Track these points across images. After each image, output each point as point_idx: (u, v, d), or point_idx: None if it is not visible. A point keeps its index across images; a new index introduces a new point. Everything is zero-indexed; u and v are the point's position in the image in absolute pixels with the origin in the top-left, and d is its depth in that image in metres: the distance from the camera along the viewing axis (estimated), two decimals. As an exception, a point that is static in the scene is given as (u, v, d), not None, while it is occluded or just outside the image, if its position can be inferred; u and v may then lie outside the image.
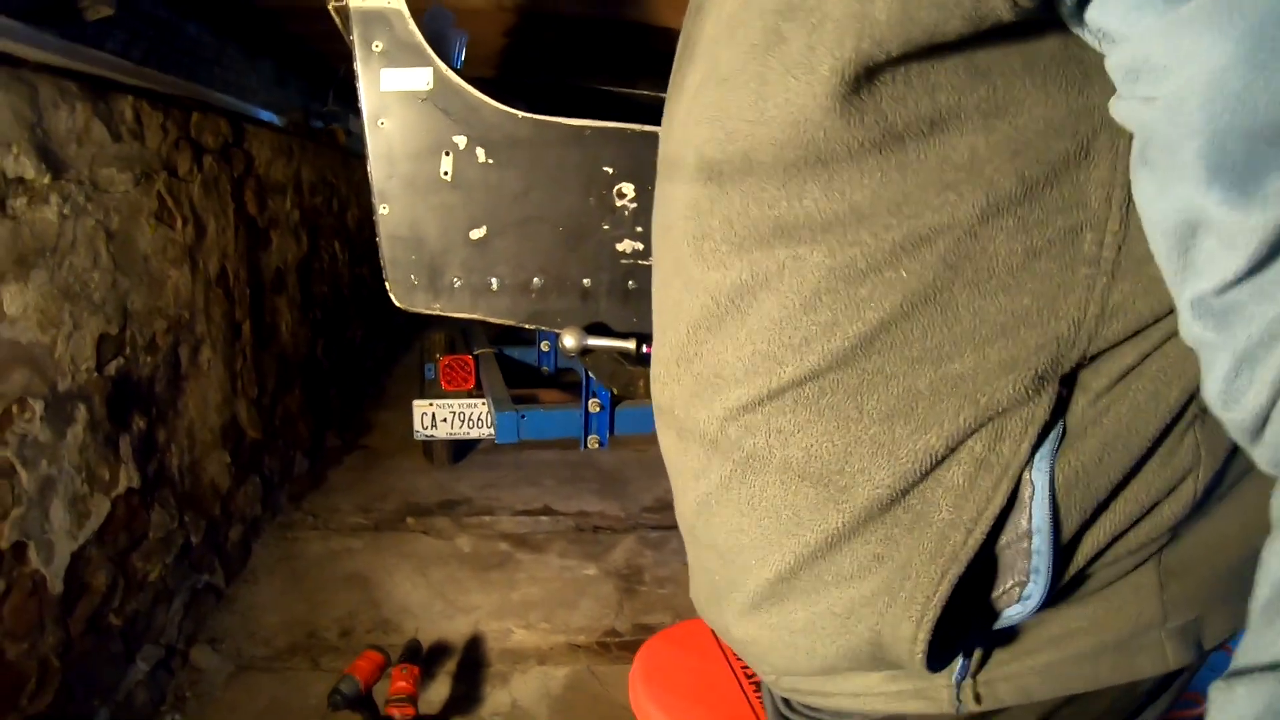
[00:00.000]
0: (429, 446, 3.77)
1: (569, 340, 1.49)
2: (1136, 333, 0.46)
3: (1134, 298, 0.45)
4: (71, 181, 1.81)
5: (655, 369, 0.63)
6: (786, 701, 0.67)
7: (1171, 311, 0.45)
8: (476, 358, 3.36)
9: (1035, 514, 0.47)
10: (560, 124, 1.45)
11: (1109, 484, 0.48)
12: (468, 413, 3.14)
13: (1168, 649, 0.54)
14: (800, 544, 0.52)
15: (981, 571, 0.49)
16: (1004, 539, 0.48)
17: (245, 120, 2.94)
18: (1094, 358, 0.47)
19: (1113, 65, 0.40)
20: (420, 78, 1.37)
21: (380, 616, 2.60)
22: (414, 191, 1.44)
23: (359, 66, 1.37)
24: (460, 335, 3.96)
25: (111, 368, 1.96)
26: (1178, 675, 0.56)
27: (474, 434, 3.16)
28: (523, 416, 2.65)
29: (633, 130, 1.47)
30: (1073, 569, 0.50)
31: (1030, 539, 0.48)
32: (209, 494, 2.57)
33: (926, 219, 0.45)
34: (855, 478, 0.49)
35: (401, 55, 1.37)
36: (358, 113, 1.40)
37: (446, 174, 1.43)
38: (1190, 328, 0.40)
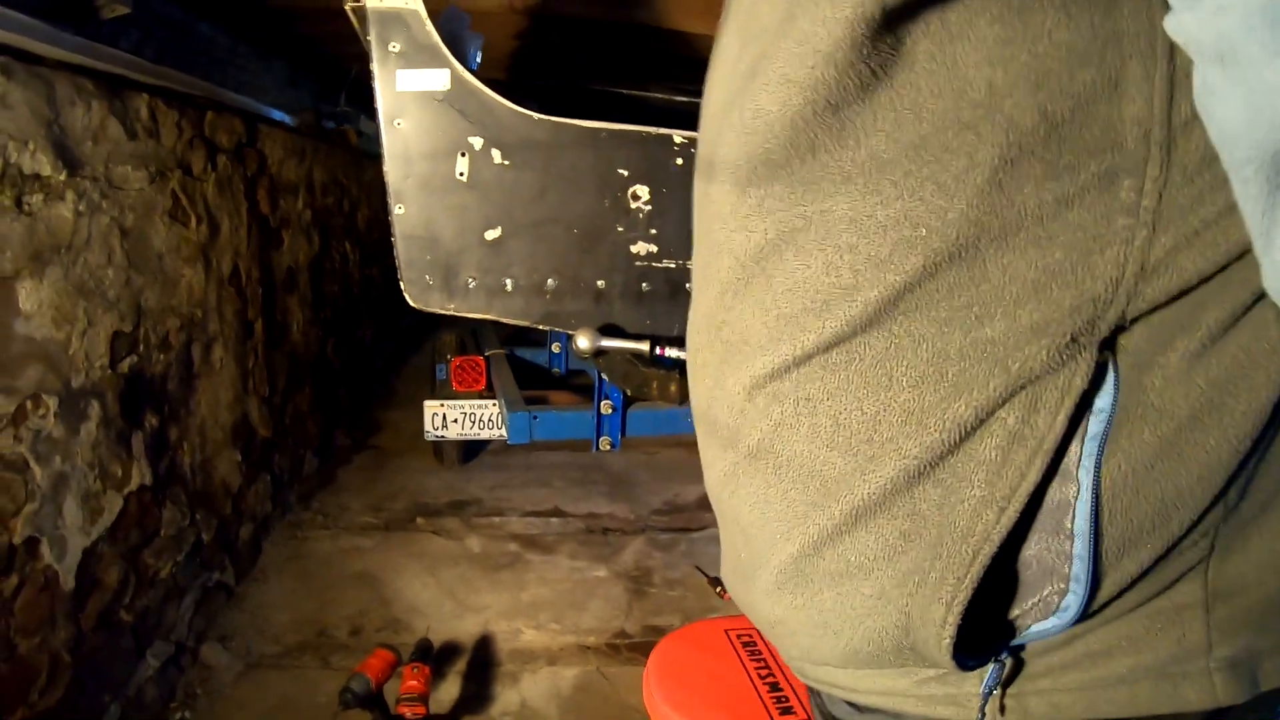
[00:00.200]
0: (439, 447, 3.79)
1: (583, 341, 1.49)
2: (1181, 294, 0.42)
3: (1178, 253, 0.41)
4: (87, 179, 1.82)
5: (690, 336, 0.62)
6: (819, 696, 0.65)
7: (1231, 271, 0.40)
8: (487, 359, 3.37)
9: (1078, 514, 0.44)
10: (576, 126, 1.45)
11: (1161, 495, 0.44)
12: (479, 413, 3.16)
13: (1216, 681, 0.49)
14: (827, 517, 0.50)
15: (1015, 575, 0.47)
16: (1043, 541, 0.46)
17: (259, 120, 2.96)
18: (1134, 321, 0.43)
19: None
20: (438, 79, 1.37)
21: (390, 615, 2.60)
22: (430, 192, 1.44)
23: (375, 67, 1.37)
24: (471, 336, 3.97)
25: (125, 365, 1.97)
26: (1229, 714, 0.51)
27: (485, 435, 3.19)
28: (535, 418, 2.65)
29: (647, 133, 1.47)
30: (1114, 581, 0.47)
31: (1073, 541, 0.45)
32: (220, 492, 2.58)
33: (947, 163, 0.42)
34: (884, 446, 0.47)
35: (418, 56, 1.37)
36: (370, 114, 1.40)
37: (462, 175, 1.43)
38: None
